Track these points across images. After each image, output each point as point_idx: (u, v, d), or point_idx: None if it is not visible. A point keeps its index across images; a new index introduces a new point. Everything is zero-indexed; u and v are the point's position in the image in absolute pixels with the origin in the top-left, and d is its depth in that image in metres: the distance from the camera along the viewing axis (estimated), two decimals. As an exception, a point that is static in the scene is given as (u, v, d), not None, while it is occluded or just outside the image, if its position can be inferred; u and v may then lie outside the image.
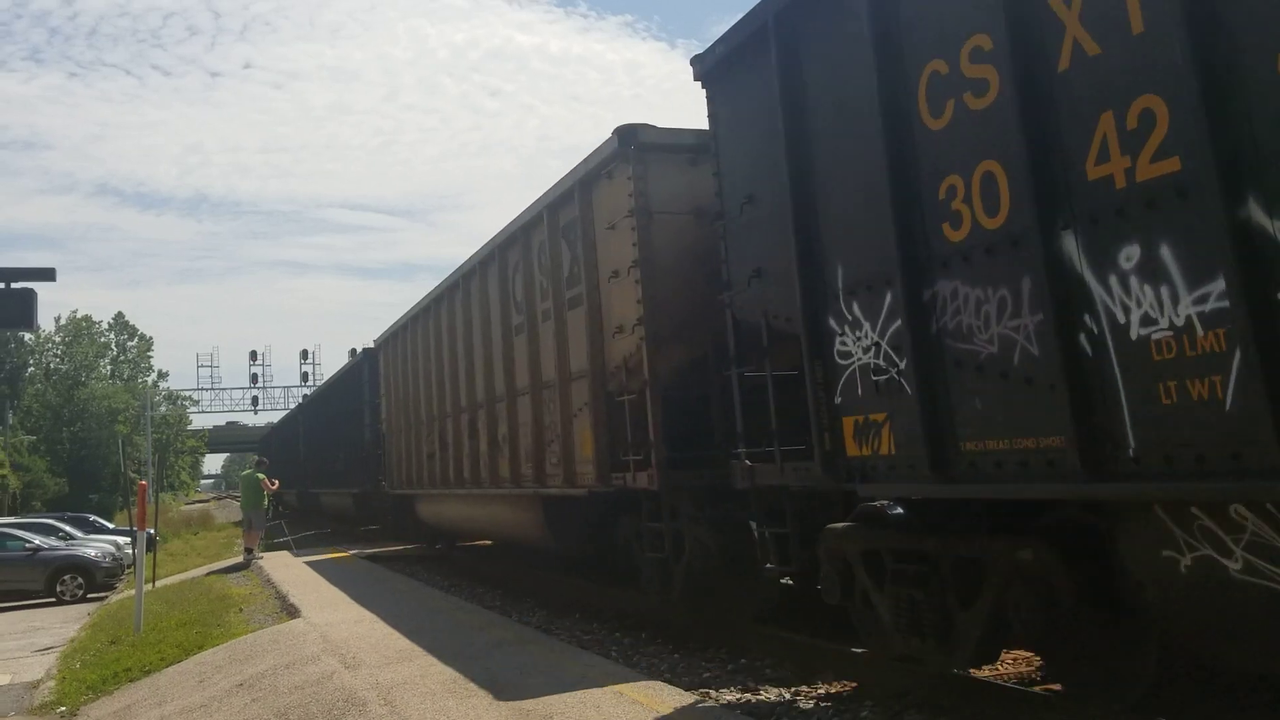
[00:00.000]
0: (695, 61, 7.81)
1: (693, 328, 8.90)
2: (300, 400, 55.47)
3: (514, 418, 12.46)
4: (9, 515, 45.17)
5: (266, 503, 22.87)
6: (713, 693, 7.12)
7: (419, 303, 17.68)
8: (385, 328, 21.25)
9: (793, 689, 7.05)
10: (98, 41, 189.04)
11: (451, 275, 15.40)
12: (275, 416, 66.38)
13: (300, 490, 38.96)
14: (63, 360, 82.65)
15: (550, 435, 11.23)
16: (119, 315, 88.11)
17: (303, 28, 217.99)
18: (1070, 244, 4.55)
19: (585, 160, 10.15)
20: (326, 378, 44.25)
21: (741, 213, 7.26)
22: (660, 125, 9.47)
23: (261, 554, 21.30)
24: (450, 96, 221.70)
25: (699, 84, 7.84)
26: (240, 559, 21.26)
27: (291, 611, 12.35)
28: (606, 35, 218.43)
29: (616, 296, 9.60)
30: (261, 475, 22.12)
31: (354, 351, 37.06)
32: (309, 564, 18.45)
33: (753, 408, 7.24)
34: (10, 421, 66.63)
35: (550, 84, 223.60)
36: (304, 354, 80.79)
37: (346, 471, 26.61)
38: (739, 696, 7.00)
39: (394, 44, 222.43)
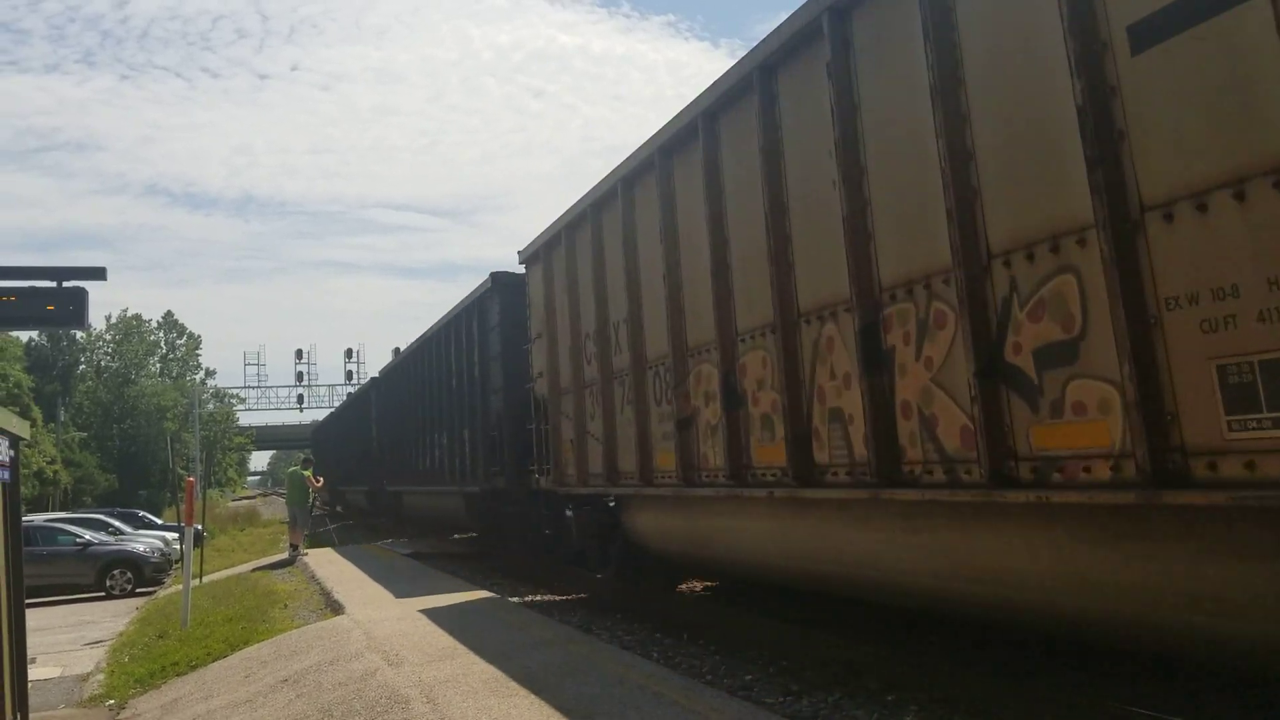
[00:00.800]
0: None
1: None
2: (345, 399, 55.60)
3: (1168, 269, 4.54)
4: (60, 510, 46.05)
5: (312, 499, 23.14)
6: (754, 695, 7.07)
7: (634, 155, 10.29)
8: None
9: (836, 693, 6.97)
10: (149, 44, 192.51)
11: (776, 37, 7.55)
12: (320, 414, 67.19)
13: (372, 488, 30.66)
14: (113, 358, 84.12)
15: None
16: (168, 314, 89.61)
17: (349, 30, 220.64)
18: None
19: None
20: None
21: None
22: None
23: (306, 550, 21.52)
24: (493, 97, 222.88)
25: None
26: (286, 555, 21.50)
27: (336, 608, 12.45)
28: (649, 35, 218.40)
29: None
30: (306, 472, 22.43)
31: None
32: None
33: None
34: (62, 418, 67.90)
35: (593, 84, 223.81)
36: (349, 353, 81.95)
37: (454, 460, 19.00)
38: (781, 699, 6.94)
39: (438, 45, 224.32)
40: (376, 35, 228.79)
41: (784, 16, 7.30)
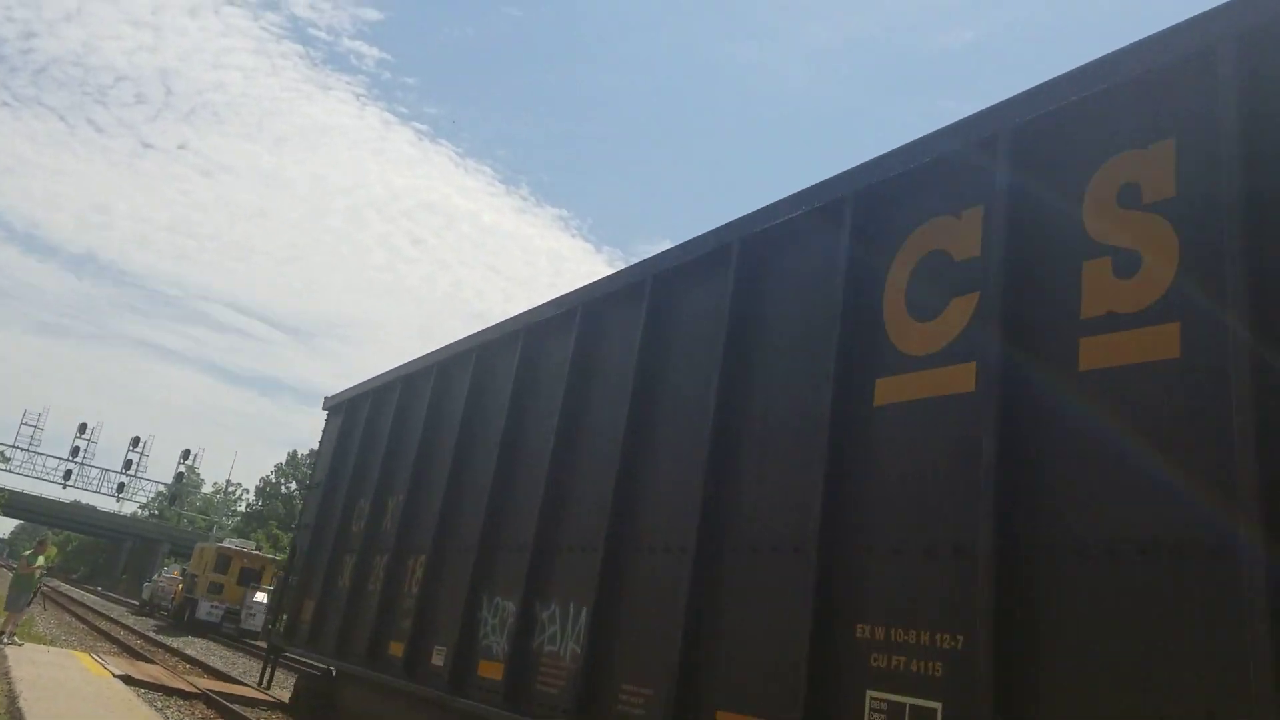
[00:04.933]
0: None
1: None
2: (117, 487, 52.33)
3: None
4: None
5: (36, 580, 21.75)
6: None
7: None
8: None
9: None
10: (42, 81, 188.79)
11: None
12: (86, 497, 63.04)
13: None
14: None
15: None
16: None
17: (248, 128, 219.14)
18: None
19: None
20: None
21: None
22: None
23: (21, 641, 19.90)
24: (373, 232, 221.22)
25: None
26: (-10, 642, 19.82)
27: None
28: (540, 221, 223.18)
29: None
30: (26, 553, 21.60)
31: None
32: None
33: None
34: None
35: (473, 249, 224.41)
36: (135, 440, 77.34)
37: None
38: None
39: (333, 168, 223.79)
40: (275, 141, 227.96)
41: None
